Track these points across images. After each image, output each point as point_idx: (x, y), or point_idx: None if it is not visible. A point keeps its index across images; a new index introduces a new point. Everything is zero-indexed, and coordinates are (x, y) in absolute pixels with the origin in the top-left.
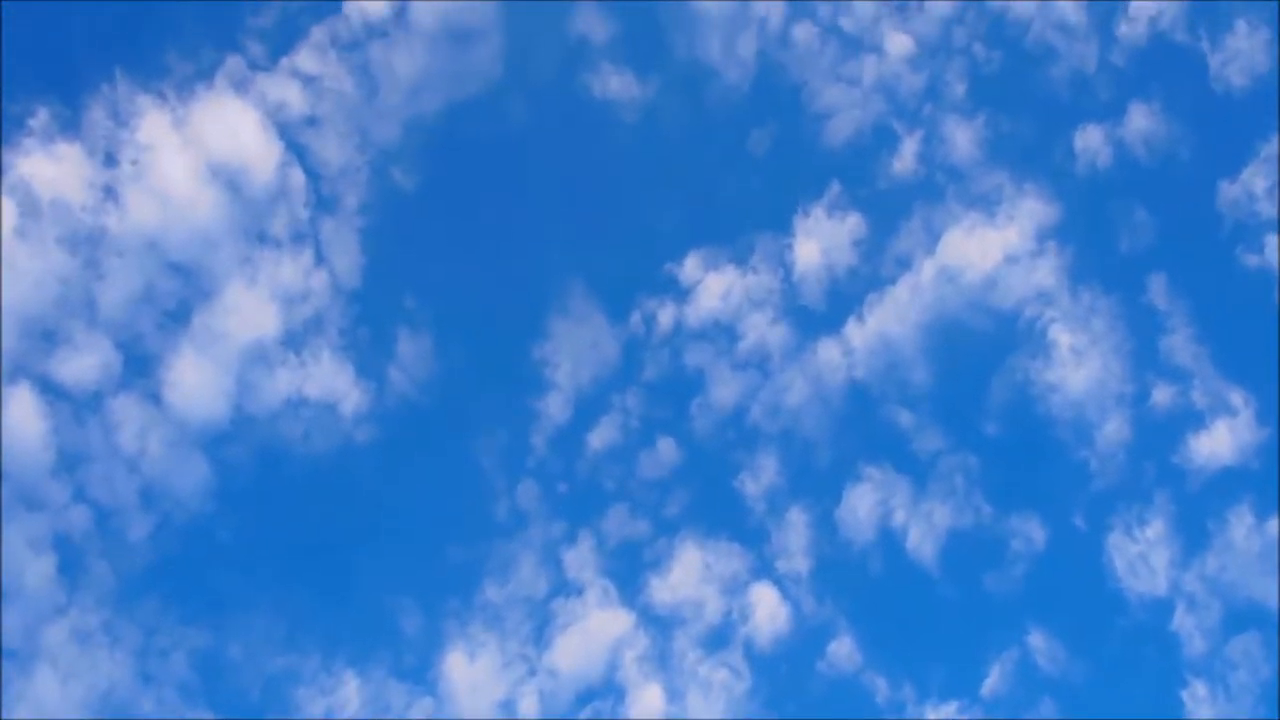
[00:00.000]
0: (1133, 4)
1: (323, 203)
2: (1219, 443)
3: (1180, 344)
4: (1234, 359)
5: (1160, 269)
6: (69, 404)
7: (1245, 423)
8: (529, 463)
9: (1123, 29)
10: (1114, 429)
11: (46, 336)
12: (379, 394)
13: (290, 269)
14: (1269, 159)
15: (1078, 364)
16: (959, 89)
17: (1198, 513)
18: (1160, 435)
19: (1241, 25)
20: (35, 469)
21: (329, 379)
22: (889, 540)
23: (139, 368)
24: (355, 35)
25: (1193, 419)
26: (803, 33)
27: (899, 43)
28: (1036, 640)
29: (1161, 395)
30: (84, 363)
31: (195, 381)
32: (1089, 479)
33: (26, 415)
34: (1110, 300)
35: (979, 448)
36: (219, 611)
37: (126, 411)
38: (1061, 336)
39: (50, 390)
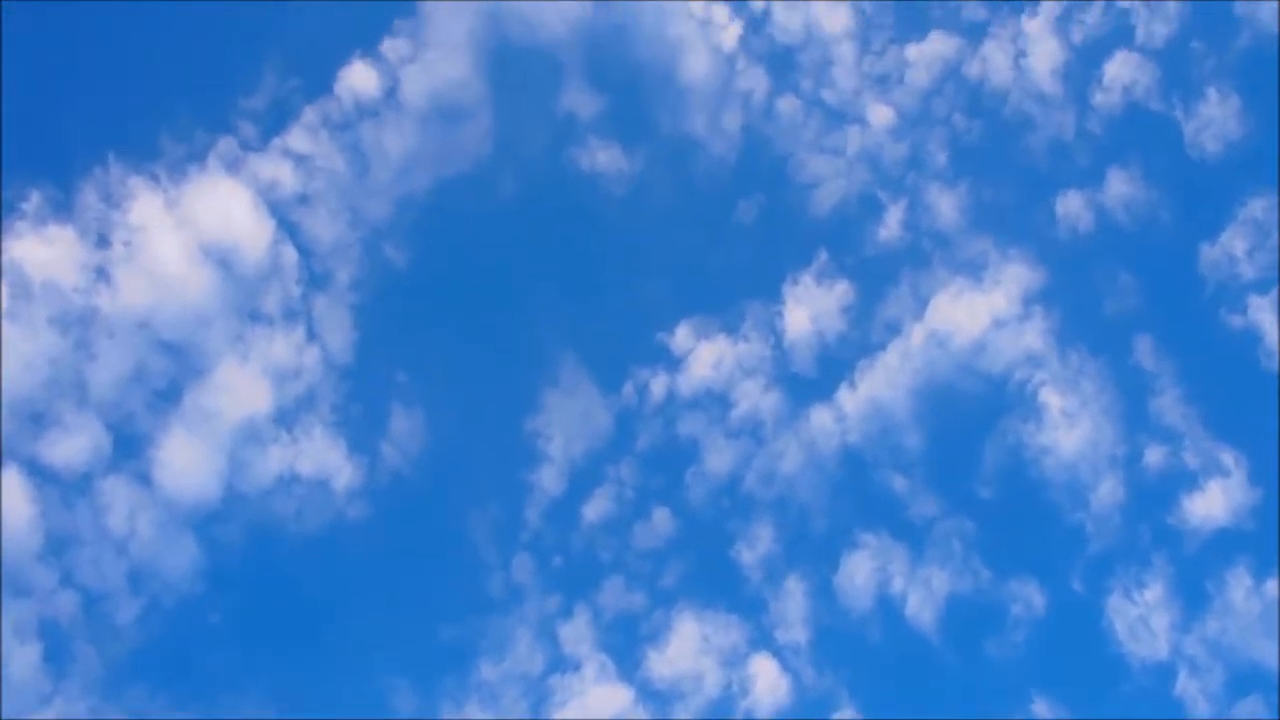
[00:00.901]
0: (1107, 74)
1: (315, 280)
2: (1213, 504)
3: (1170, 405)
4: (1223, 419)
5: (1146, 330)
6: (57, 486)
7: (1238, 483)
8: (523, 536)
9: (1098, 98)
10: (1108, 491)
11: (36, 418)
12: (371, 469)
13: (282, 346)
14: (1247, 221)
15: (1069, 426)
16: (941, 158)
17: (1196, 575)
18: (1154, 497)
19: (1213, 93)
20: (22, 554)
21: (321, 455)
22: (888, 607)
23: (129, 448)
24: (346, 115)
25: (1186, 480)
26: (786, 105)
27: (881, 114)
28: (1040, 708)
29: (1154, 456)
30: (73, 444)
31: (186, 460)
32: (1086, 542)
33: (15, 499)
34: (1099, 362)
35: (975, 512)
36: (208, 695)
37: (116, 493)
38: (1052, 399)
39: (39, 473)
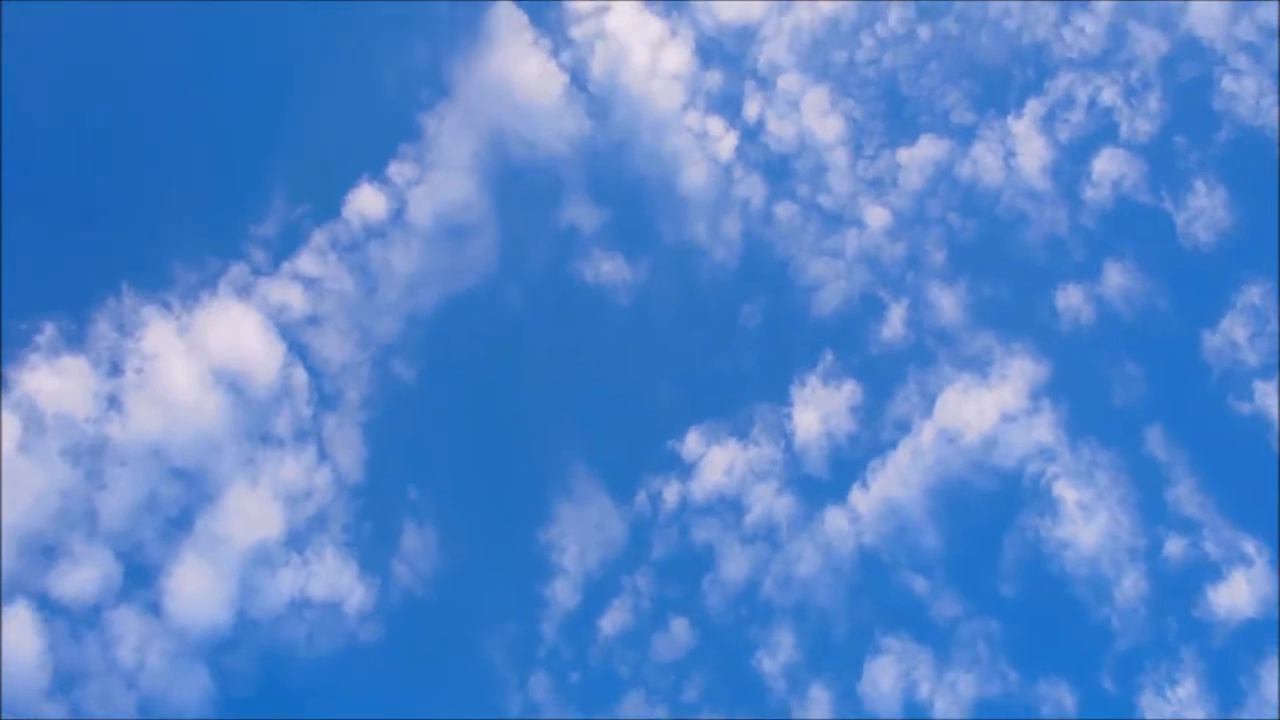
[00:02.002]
0: (1096, 170)
1: (325, 400)
2: (1238, 594)
3: (1185, 494)
4: (1241, 507)
5: (1156, 420)
6: (67, 620)
7: (1261, 572)
8: (540, 653)
9: (1089, 193)
10: (1131, 584)
11: (46, 552)
12: (384, 590)
13: (293, 467)
14: (1245, 308)
15: (1086, 519)
16: (939, 257)
17: (1227, 668)
18: (1178, 589)
19: (1200, 185)
20: (30, 690)
21: (333, 577)
22: (915, 713)
23: (139, 578)
24: (355, 237)
25: (1209, 570)
26: (784, 211)
27: (877, 216)
28: None
29: (1174, 547)
30: (83, 576)
31: (196, 588)
32: (1113, 638)
33: (23, 634)
34: (1111, 454)
35: (998, 611)
36: None
37: (126, 624)
38: (1067, 492)
39: (48, 607)
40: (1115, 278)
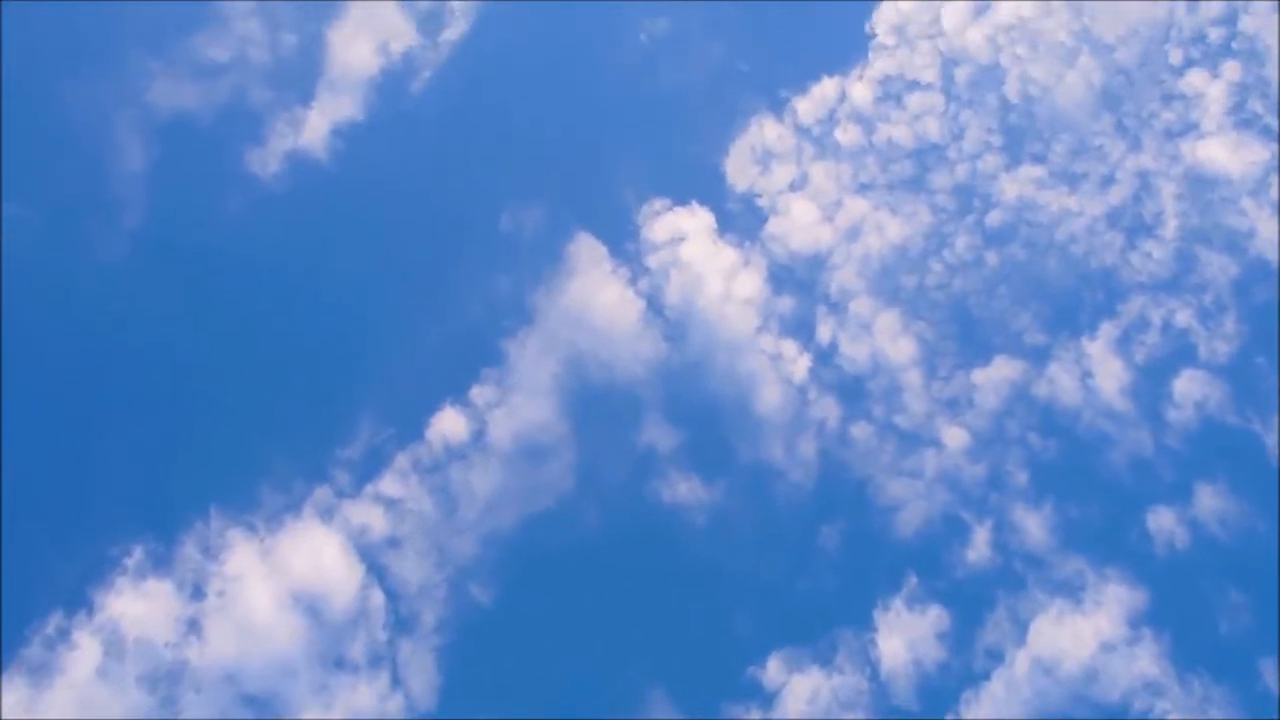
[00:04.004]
0: (1176, 391)
1: (401, 623)
2: None
3: None
4: None
5: (1270, 653)
6: None
7: None
8: None
9: (1172, 414)
10: None
11: None
12: None
13: (366, 694)
14: None
15: None
16: (1021, 478)
17: None
18: None
19: None
20: None
21: None
22: None
23: None
24: (436, 458)
25: None
26: (860, 431)
27: (955, 436)
28: None
29: None
30: None
31: None
32: None
33: None
34: (1224, 689)
35: None
36: None
37: None
38: None
39: None
40: (1208, 500)
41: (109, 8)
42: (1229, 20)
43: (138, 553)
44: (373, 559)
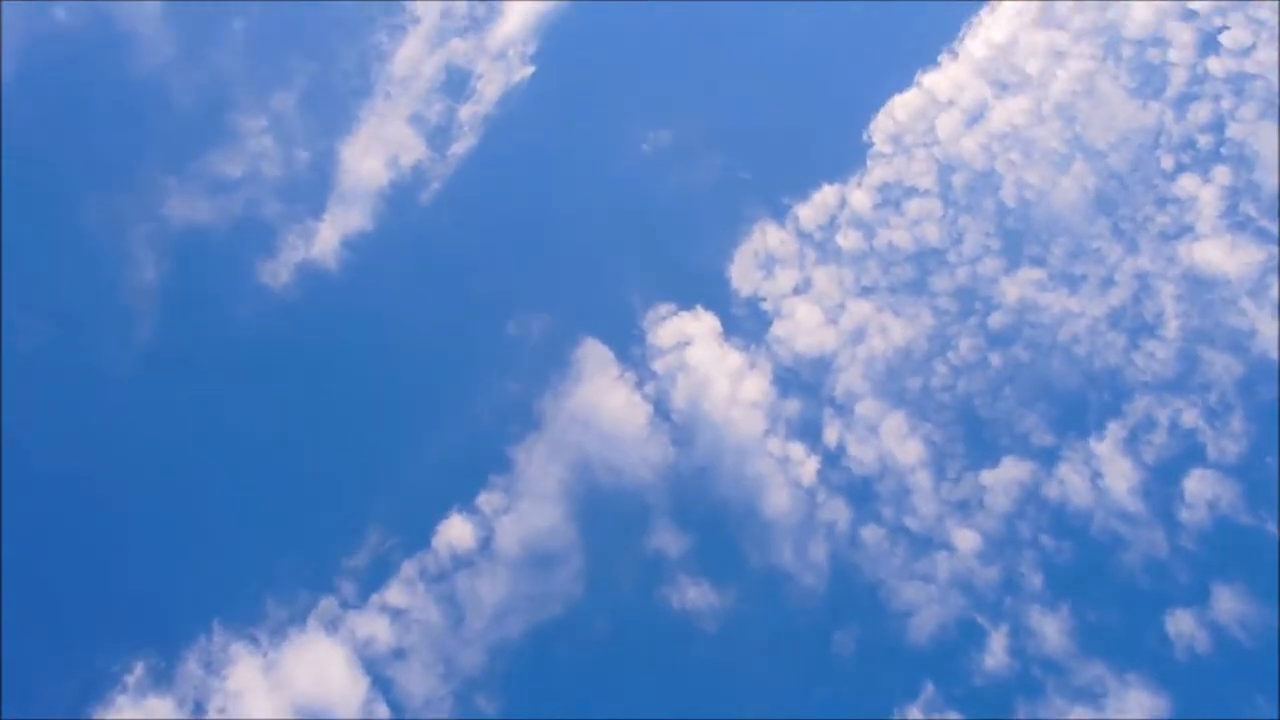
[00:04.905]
0: (1188, 490)
1: None
2: None
3: None
4: None
5: None
6: None
7: None
8: None
9: (1184, 514)
10: None
11: None
12: None
13: None
14: None
15: None
16: (1036, 581)
17: None
18: None
19: None
20: None
21: None
22: None
23: None
24: (443, 567)
25: None
26: (871, 534)
27: (966, 539)
28: None
29: None
30: None
31: None
32: None
33: None
34: None
35: None
36: None
37: None
38: None
39: None
40: (1226, 602)
41: (129, 125)
42: (1217, 127)
43: (138, 669)
44: (377, 672)
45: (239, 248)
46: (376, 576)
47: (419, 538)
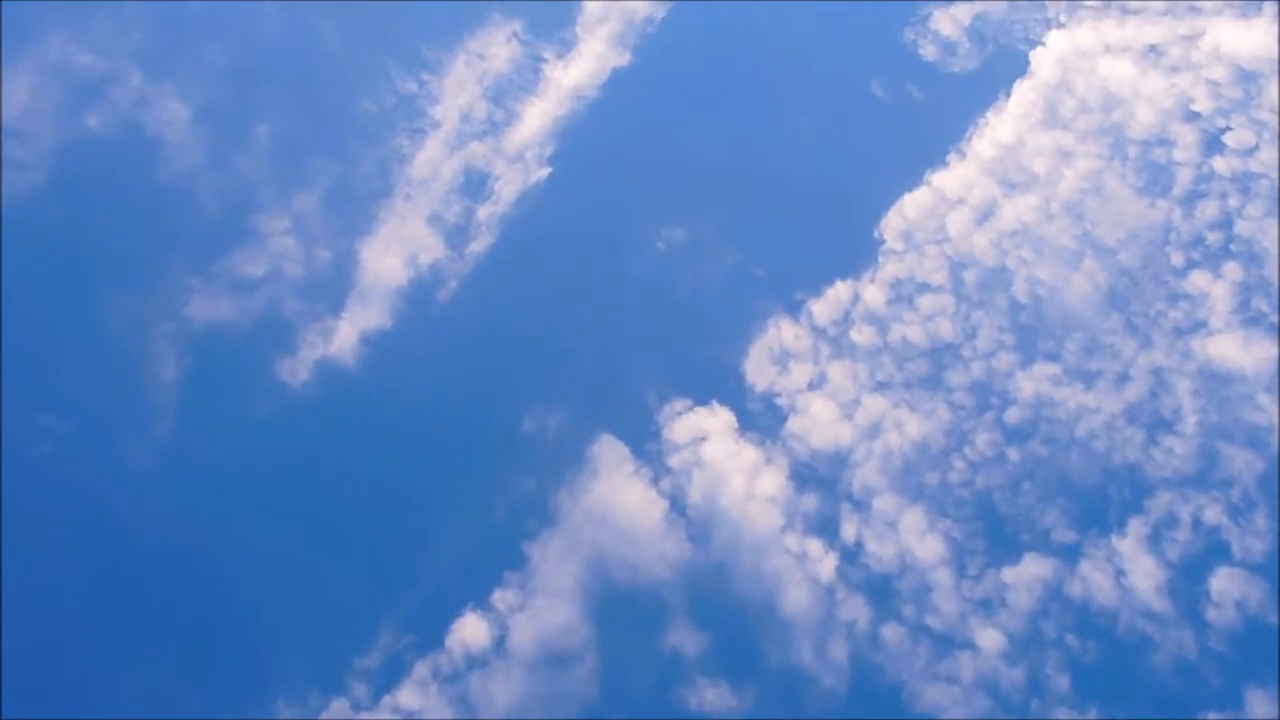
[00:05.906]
0: (1214, 589)
1: None
2: None
3: None
4: None
5: None
6: None
7: None
8: None
9: (1212, 614)
10: None
11: None
12: None
13: None
14: None
15: None
16: (1063, 682)
17: None
18: None
19: None
20: None
21: None
22: None
23: None
24: (456, 667)
25: None
26: (892, 633)
27: (990, 638)
28: None
29: None
30: None
31: None
32: None
33: None
34: None
35: None
36: None
37: None
38: None
39: None
40: (1260, 706)
41: (156, 227)
42: (1225, 224)
43: None
44: None
45: (259, 345)
46: (389, 677)
47: (433, 637)
